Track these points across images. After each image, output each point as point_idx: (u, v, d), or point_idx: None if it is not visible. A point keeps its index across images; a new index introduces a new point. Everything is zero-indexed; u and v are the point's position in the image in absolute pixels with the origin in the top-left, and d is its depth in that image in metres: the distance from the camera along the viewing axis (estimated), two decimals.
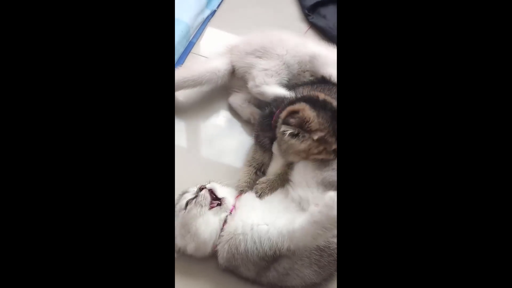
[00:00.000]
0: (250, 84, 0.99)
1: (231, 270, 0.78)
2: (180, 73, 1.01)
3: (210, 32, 1.27)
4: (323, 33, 1.33)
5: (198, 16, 1.21)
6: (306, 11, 1.38)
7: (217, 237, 0.76)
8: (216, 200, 0.80)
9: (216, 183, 0.83)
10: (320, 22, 1.36)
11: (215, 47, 1.16)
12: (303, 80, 1.03)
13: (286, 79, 1.00)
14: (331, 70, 0.95)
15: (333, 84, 0.94)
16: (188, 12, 1.16)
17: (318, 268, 0.73)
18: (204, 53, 1.21)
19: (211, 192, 0.80)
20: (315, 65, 1.00)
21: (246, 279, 0.78)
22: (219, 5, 1.33)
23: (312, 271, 0.72)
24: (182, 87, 1.02)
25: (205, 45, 1.24)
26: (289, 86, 1.00)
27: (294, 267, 0.72)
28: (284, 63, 0.98)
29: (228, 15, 1.32)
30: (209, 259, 0.81)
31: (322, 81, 0.98)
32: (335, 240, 0.70)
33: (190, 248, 0.77)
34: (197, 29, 1.23)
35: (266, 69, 0.97)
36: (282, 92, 0.95)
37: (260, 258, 0.71)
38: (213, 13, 1.31)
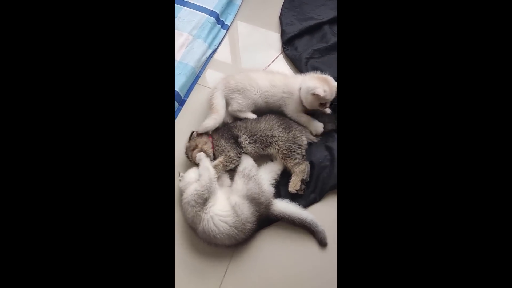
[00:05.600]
0: (229, 108, 1.49)
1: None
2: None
3: (210, 66, 1.75)
4: (293, 63, 1.70)
5: (202, 57, 1.69)
6: (283, 45, 1.76)
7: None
8: None
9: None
10: (292, 53, 1.72)
11: (214, 78, 1.67)
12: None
13: (252, 110, 1.48)
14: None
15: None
16: (194, 57, 1.65)
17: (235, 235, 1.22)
18: (206, 82, 1.70)
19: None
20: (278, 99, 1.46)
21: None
22: (219, 44, 1.78)
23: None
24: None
25: (207, 76, 1.73)
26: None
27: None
28: (253, 102, 1.46)
29: (225, 50, 1.79)
30: None
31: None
32: (248, 225, 1.22)
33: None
34: (201, 66, 1.70)
35: (240, 103, 1.46)
36: (247, 115, 1.47)
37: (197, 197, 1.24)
38: (214, 51, 1.76)
